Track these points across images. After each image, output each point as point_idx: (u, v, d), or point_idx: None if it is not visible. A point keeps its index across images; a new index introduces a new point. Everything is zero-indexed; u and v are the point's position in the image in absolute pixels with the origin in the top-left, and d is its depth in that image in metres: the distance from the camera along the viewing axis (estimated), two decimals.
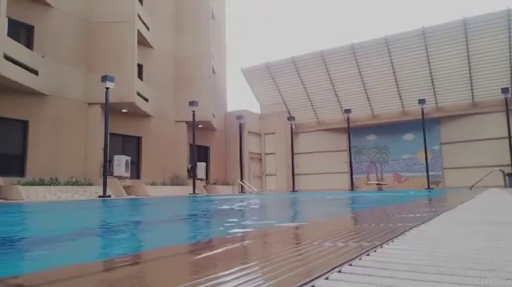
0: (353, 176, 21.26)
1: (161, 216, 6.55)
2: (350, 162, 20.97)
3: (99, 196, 13.06)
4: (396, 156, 21.79)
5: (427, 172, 19.13)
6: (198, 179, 18.72)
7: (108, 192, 13.43)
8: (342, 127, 22.39)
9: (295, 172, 22.92)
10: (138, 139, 17.78)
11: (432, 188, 19.13)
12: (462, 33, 18.53)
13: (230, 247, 1.76)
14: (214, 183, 21.15)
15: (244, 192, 20.76)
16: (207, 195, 17.13)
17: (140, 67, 17.62)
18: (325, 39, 46.33)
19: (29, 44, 13.70)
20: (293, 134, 23.13)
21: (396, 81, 20.81)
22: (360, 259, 1.36)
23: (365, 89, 21.69)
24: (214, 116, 20.97)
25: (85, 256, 2.52)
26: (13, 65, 11.82)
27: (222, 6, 25.06)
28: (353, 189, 20.62)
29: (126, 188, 15.46)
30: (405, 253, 1.46)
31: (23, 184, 11.93)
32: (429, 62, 19.72)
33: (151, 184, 17.07)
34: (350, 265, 1.27)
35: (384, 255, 1.43)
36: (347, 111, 20.68)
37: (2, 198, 11.31)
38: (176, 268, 1.40)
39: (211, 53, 20.47)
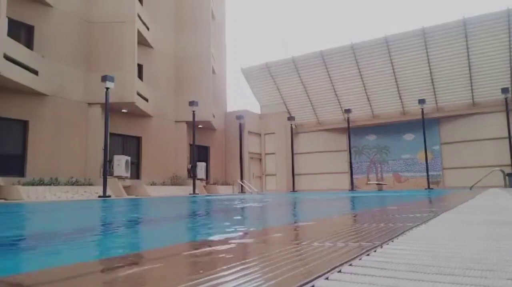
0: (353, 176, 21.26)
1: (164, 215, 6.55)
2: (350, 162, 20.98)
3: (99, 196, 13.06)
4: (396, 156, 21.78)
5: (427, 172, 19.14)
6: (198, 179, 18.72)
7: (108, 192, 13.43)
8: (342, 127, 22.39)
9: (295, 172, 22.93)
10: (138, 139, 17.78)
11: (432, 188, 19.13)
12: (462, 33, 18.53)
13: (230, 247, 1.76)
14: (214, 183, 21.15)
15: (244, 192, 20.76)
16: (207, 195, 17.13)
17: (140, 67, 17.62)
18: (325, 39, 46.36)
19: (29, 44, 13.70)
20: (293, 134, 23.13)
21: (396, 81, 20.80)
22: (360, 259, 1.36)
23: (365, 89, 21.68)
24: (214, 116, 20.97)
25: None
26: (13, 65, 11.81)
27: (222, 6, 25.05)
28: (353, 189, 20.63)
29: (126, 188, 15.46)
30: (405, 253, 1.46)
31: (23, 184, 11.93)
32: (429, 62, 19.71)
33: (151, 184, 17.07)
34: (350, 265, 1.27)
35: (384, 255, 1.43)
36: (347, 111, 20.69)
37: (2, 198, 11.31)
38: (176, 268, 1.40)
39: (211, 53, 20.47)
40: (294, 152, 23.11)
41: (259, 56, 62.90)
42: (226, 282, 1.06)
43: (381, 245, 1.63)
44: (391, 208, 5.02)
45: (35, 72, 13.13)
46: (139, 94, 16.17)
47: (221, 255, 1.59)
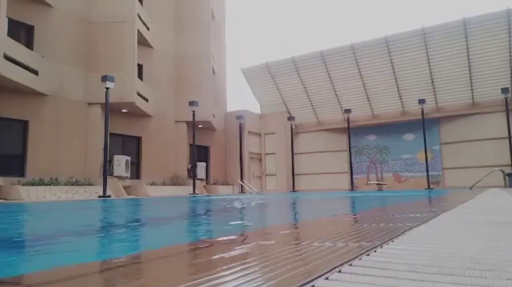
0: (353, 176, 21.26)
1: (164, 215, 6.55)
2: (350, 162, 20.97)
3: (99, 196, 13.06)
4: (396, 156, 21.78)
5: (427, 172, 19.13)
6: (198, 179, 18.72)
7: (108, 192, 13.42)
8: (342, 127, 22.39)
9: (295, 172, 22.93)
10: (138, 139, 17.78)
11: (432, 188, 19.12)
12: (462, 33, 18.53)
13: (230, 247, 1.76)
14: (214, 183, 21.15)
15: (244, 192, 20.76)
16: (207, 195, 17.13)
17: (140, 67, 17.62)
18: (325, 39, 46.34)
19: (29, 44, 13.69)
20: (293, 134, 23.13)
21: (396, 81, 20.80)
22: (360, 259, 1.36)
23: (365, 89, 21.68)
24: (214, 116, 20.97)
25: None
26: (13, 65, 11.81)
27: (222, 6, 25.05)
28: (353, 189, 20.63)
29: (126, 188, 15.46)
30: (405, 253, 1.46)
31: (23, 184, 11.93)
32: (429, 62, 19.71)
33: (151, 184, 17.07)
34: (350, 265, 1.27)
35: (384, 255, 1.43)
36: (347, 111, 20.68)
37: (2, 198, 11.31)
38: (176, 268, 1.40)
39: (211, 53, 20.47)
40: (294, 152, 23.11)
41: (259, 56, 62.93)
42: (226, 282, 1.06)
43: (381, 245, 1.63)
44: (391, 208, 5.02)
45: (35, 72, 13.12)
46: (139, 94, 16.17)
47: (221, 255, 1.59)
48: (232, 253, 1.63)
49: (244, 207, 7.98)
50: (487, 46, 18.40)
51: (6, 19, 11.42)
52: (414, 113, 20.82)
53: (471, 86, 19.56)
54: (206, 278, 1.09)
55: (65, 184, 13.35)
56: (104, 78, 13.57)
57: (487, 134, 19.37)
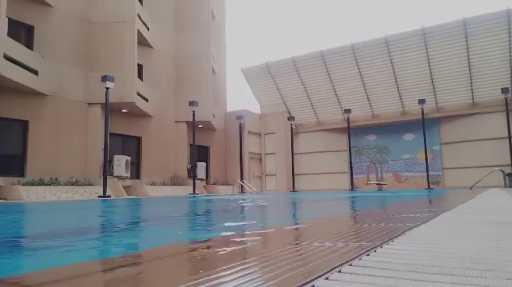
0: (353, 176, 21.26)
1: (165, 215, 6.55)
2: (350, 162, 20.97)
3: (99, 196, 13.06)
4: (396, 156, 21.78)
5: (427, 172, 19.13)
6: (198, 179, 18.72)
7: (108, 192, 13.42)
8: (342, 127, 22.39)
9: (295, 172, 22.93)
10: (138, 139, 17.78)
11: (432, 188, 19.13)
12: (462, 33, 18.52)
13: (230, 247, 1.76)
14: (214, 183, 21.15)
15: (244, 192, 20.76)
16: (207, 195, 17.13)
17: (140, 67, 17.61)
18: (325, 39, 46.33)
19: (29, 44, 13.69)
20: (293, 134, 23.13)
21: (396, 81, 20.80)
22: (360, 259, 1.36)
23: (365, 89, 21.68)
24: (214, 116, 20.97)
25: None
26: (13, 65, 11.81)
27: (222, 6, 25.05)
28: (353, 189, 20.62)
29: (126, 188, 15.46)
30: (405, 253, 1.46)
31: (23, 184, 11.92)
32: (429, 62, 19.71)
33: (151, 184, 17.07)
34: (350, 265, 1.27)
35: (384, 255, 1.43)
36: (347, 111, 20.69)
37: (2, 198, 11.31)
38: (176, 268, 1.40)
39: (211, 53, 20.46)
40: (294, 152, 23.11)
41: (259, 56, 62.92)
42: (226, 282, 1.06)
43: (381, 245, 1.63)
44: (391, 208, 5.02)
45: (35, 72, 13.12)
46: (139, 94, 16.17)
47: (221, 255, 1.59)
48: (232, 253, 1.63)
49: (244, 207, 7.99)
50: (487, 46, 18.39)
51: (6, 19, 11.41)
52: (414, 113, 20.82)
53: (471, 86, 19.56)
54: (206, 278, 1.09)
55: (65, 184, 13.35)
56: (104, 78, 13.57)
57: (487, 134, 19.37)
